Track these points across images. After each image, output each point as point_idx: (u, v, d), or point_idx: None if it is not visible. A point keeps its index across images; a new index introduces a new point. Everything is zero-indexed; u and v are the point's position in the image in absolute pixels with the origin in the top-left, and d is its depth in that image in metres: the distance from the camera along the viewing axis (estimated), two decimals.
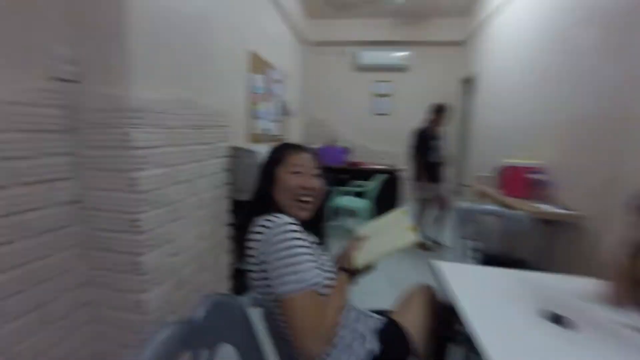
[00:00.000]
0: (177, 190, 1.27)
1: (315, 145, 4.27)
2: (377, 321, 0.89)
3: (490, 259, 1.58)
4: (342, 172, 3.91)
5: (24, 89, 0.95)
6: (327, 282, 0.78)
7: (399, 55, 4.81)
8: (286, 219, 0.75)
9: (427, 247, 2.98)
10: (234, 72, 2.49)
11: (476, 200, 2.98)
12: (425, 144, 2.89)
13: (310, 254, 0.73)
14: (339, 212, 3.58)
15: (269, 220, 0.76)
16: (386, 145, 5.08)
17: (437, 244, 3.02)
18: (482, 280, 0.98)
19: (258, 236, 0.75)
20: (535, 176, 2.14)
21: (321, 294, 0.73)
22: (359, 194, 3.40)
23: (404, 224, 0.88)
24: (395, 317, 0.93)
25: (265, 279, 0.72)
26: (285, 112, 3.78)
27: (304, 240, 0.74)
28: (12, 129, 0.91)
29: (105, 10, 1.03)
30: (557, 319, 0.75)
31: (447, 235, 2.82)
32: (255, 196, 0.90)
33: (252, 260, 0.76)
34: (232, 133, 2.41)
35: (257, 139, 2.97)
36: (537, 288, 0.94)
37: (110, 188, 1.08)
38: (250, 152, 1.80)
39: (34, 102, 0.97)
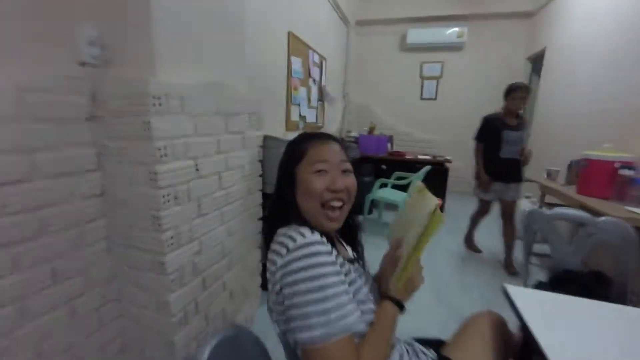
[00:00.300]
0: (203, 184, 1.17)
1: (355, 134, 4.04)
2: (427, 358, 0.71)
3: (563, 275, 1.30)
4: (382, 163, 3.66)
5: (46, 75, 0.89)
6: (367, 317, 0.61)
7: (453, 31, 4.30)
8: (311, 237, 0.59)
9: (513, 271, 2.29)
10: (271, 55, 2.36)
11: (543, 200, 2.57)
12: (494, 135, 2.29)
13: (343, 285, 0.57)
14: (378, 205, 3.37)
15: (289, 237, 0.60)
16: (433, 134, 4.67)
17: (478, 251, 2.67)
18: (571, 315, 0.75)
19: (276, 258, 0.60)
20: (626, 172, 1.73)
21: (360, 335, 0.57)
22: (400, 187, 3.14)
23: (425, 204, 0.65)
24: (450, 352, 0.74)
25: (284, 313, 0.57)
26: (324, 98, 3.59)
27: (334, 265, 0.58)
28: (33, 118, 0.86)
29: None
30: None
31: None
32: (274, 202, 0.74)
33: (270, 285, 0.62)
34: (268, 120, 2.31)
35: (294, 126, 2.84)
36: None
37: (132, 182, 1.01)
38: (283, 142, 1.66)
39: (57, 89, 0.91)
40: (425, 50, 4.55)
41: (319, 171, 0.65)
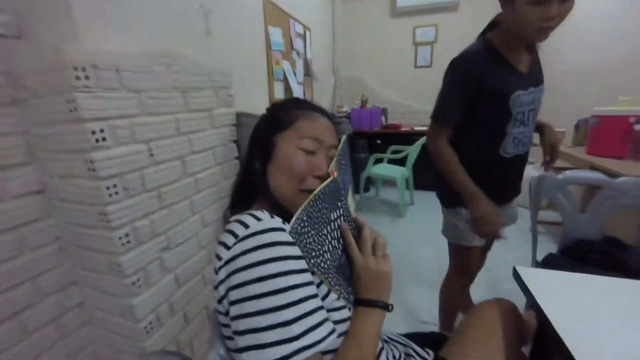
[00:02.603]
0: (161, 171, 1.02)
1: (347, 108, 3.83)
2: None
3: (578, 245, 1.16)
4: (377, 137, 3.48)
5: None
6: (341, 327, 0.47)
7: None
8: (270, 222, 0.44)
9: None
10: (245, 24, 2.13)
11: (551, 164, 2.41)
12: (490, 104, 0.95)
13: (310, 287, 0.43)
14: (375, 182, 3.22)
15: (240, 222, 0.45)
16: (430, 103, 4.43)
17: None
18: (591, 296, 0.61)
19: (221, 250, 0.45)
20: None
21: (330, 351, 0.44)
22: (396, 161, 2.98)
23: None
24: (456, 352, 0.61)
25: (231, 326, 0.43)
26: (310, 73, 3.36)
27: (298, 260, 0.43)
28: None
29: None
30: None
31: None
32: (240, 178, 0.60)
33: (216, 290, 0.46)
34: (249, 98, 2.12)
35: None
36: None
37: (69, 174, 0.85)
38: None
39: None
40: (417, 13, 4.24)
41: (307, 150, 0.54)
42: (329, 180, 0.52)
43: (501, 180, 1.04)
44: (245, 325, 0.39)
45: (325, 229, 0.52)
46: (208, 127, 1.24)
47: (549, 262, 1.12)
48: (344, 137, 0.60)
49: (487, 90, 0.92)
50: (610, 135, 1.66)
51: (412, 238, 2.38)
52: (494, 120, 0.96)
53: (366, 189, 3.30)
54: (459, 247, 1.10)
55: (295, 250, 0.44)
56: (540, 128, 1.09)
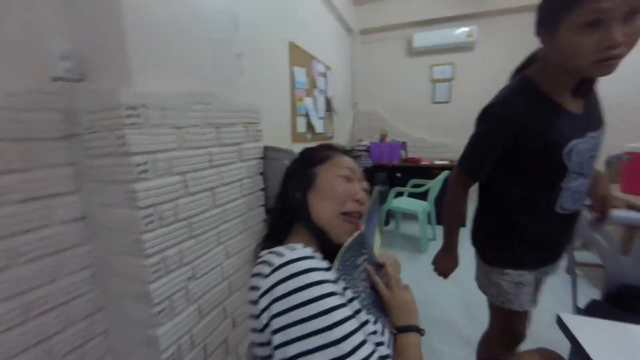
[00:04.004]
0: (193, 202, 1.06)
1: (366, 142, 3.90)
2: None
3: (625, 291, 1.08)
4: (397, 170, 3.49)
5: (15, 92, 0.82)
6: (381, 351, 0.47)
7: (462, 31, 4.15)
8: (303, 251, 0.46)
9: None
10: (272, 65, 2.29)
11: None
12: (542, 155, 0.80)
13: (347, 309, 0.44)
14: (395, 216, 3.18)
15: (275, 253, 0.47)
16: (448, 137, 4.46)
17: None
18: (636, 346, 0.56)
19: (258, 281, 0.46)
20: None
21: None
22: (417, 195, 2.95)
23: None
24: None
25: (274, 355, 0.42)
26: (330, 108, 3.50)
27: (334, 285, 0.45)
28: (2, 138, 0.79)
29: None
30: None
31: None
32: (278, 210, 0.65)
33: (253, 319, 0.48)
34: (273, 132, 2.22)
35: (300, 138, 2.74)
36: None
37: (111, 203, 0.91)
38: (285, 152, 1.55)
39: (29, 107, 0.84)
40: (433, 52, 4.42)
41: (346, 177, 0.60)
42: (356, 234, 0.58)
43: (556, 238, 0.89)
44: (295, 350, 0.39)
45: (355, 273, 0.57)
46: (237, 160, 1.29)
47: (593, 310, 1.04)
48: (376, 189, 0.64)
49: (532, 141, 0.76)
50: None
51: (435, 275, 2.28)
52: (545, 175, 0.80)
53: (386, 223, 3.25)
54: (505, 310, 0.96)
55: (330, 275, 0.46)
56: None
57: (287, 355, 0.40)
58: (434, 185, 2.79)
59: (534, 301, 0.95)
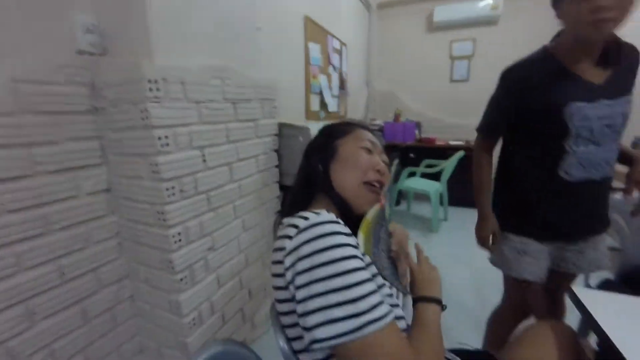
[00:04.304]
0: (212, 176, 1.09)
1: (380, 122, 3.84)
2: None
3: (637, 271, 1.07)
4: (410, 151, 3.44)
5: (43, 65, 0.84)
6: (396, 313, 0.49)
7: (486, 4, 3.92)
8: (327, 216, 0.49)
9: None
10: (287, 41, 2.24)
11: None
12: (542, 117, 0.85)
13: (367, 272, 0.46)
14: (407, 196, 3.17)
15: (300, 217, 0.50)
16: (465, 118, 4.33)
17: None
18: None
19: (284, 242, 0.49)
20: None
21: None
22: (430, 175, 2.92)
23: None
24: None
25: (296, 310, 0.46)
26: (344, 86, 3.43)
27: (355, 249, 0.47)
28: (31, 111, 0.82)
29: None
30: None
31: None
32: (301, 181, 0.66)
33: (277, 278, 0.51)
34: (287, 109, 2.21)
35: (314, 116, 2.72)
36: None
37: (135, 175, 0.94)
38: (303, 129, 1.55)
39: (55, 80, 0.86)
40: (454, 27, 4.20)
41: (367, 149, 0.62)
42: (377, 206, 0.61)
43: (566, 210, 0.87)
44: (315, 305, 0.42)
45: (376, 242, 0.59)
46: (253, 137, 1.31)
47: (606, 288, 1.04)
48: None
49: (535, 101, 0.82)
50: None
51: (447, 256, 2.30)
52: (546, 135, 0.84)
53: (397, 203, 3.25)
54: (512, 279, 0.97)
55: (352, 240, 0.48)
56: (628, 159, 0.88)
57: (308, 308, 0.43)
58: (448, 166, 2.75)
59: (540, 275, 0.92)
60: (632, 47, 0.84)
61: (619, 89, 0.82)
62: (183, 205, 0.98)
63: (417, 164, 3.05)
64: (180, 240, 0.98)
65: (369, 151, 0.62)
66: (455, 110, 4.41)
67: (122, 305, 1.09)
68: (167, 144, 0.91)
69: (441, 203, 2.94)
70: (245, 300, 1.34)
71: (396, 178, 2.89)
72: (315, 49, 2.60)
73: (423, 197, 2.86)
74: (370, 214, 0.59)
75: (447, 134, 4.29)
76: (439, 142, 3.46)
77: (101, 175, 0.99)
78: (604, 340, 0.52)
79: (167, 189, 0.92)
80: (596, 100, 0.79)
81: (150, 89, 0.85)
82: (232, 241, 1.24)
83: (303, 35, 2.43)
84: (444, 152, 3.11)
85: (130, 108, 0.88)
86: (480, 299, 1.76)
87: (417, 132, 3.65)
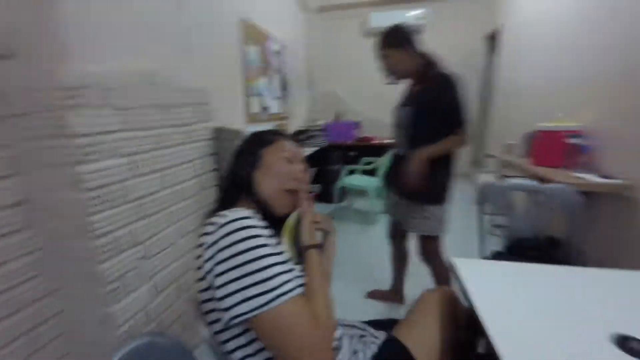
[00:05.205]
0: (142, 183, 1.08)
1: (322, 122, 3.99)
2: (375, 341, 0.69)
3: (519, 243, 1.34)
4: (351, 149, 3.65)
5: None
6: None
7: (414, 14, 4.31)
8: (243, 212, 0.56)
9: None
10: (223, 43, 2.23)
11: (502, 172, 2.66)
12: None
13: (280, 257, 0.54)
14: (348, 192, 3.37)
15: (220, 215, 0.57)
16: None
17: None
18: (515, 282, 0.75)
19: (206, 237, 0.56)
20: (574, 141, 1.81)
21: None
22: (369, 172, 3.14)
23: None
24: (400, 331, 0.73)
25: (217, 294, 0.52)
26: (286, 88, 3.50)
27: (269, 240, 0.55)
28: None
29: None
30: (626, 345, 0.52)
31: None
32: (228, 183, 0.73)
33: (200, 271, 0.57)
34: (226, 113, 2.20)
35: (255, 118, 2.74)
36: (589, 291, 0.71)
37: (55, 186, 0.90)
38: (237, 133, 1.58)
39: None
40: None
41: (287, 159, 0.70)
42: (296, 213, 0.72)
43: (394, 171, 1.45)
44: (233, 287, 0.49)
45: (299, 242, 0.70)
46: (187, 141, 1.31)
47: (495, 258, 1.28)
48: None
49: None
50: (549, 147, 1.89)
51: (384, 243, 2.52)
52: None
53: (341, 199, 3.43)
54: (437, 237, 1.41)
55: (264, 232, 0.56)
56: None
57: (227, 291, 0.49)
58: (383, 162, 3.00)
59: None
60: (432, 78, 1.29)
61: (413, 102, 1.34)
62: (111, 214, 0.96)
63: (357, 162, 3.26)
64: (109, 250, 0.96)
65: (290, 161, 0.71)
66: (390, 110, 4.75)
67: (45, 325, 1.03)
68: (90, 153, 0.89)
69: (380, 197, 3.18)
70: (185, 306, 1.34)
71: (338, 176, 3.06)
72: (253, 52, 2.62)
73: (364, 192, 3.07)
74: (291, 219, 0.68)
75: (385, 132, 4.62)
76: (376, 141, 3.72)
77: (12, 187, 0.92)
78: (465, 294, 0.67)
79: (93, 199, 0.90)
80: (403, 106, 1.40)
81: (69, 97, 0.83)
82: (168, 248, 1.23)
83: (239, 38, 2.44)
84: (381, 149, 3.36)
85: (47, 116, 0.84)
86: (413, 281, 1.98)
87: (357, 131, 3.87)
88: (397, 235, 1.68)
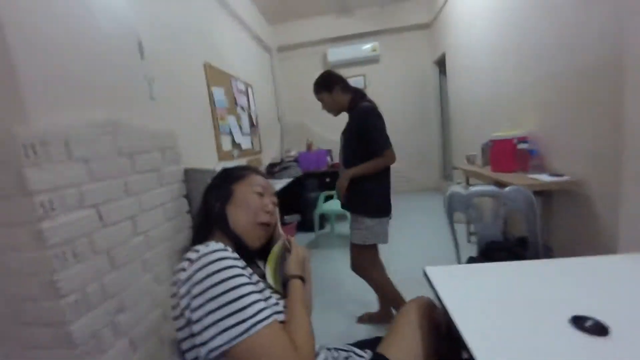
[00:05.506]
0: (111, 233, 1.05)
1: (294, 152, 4.08)
2: None
3: (490, 246, 1.40)
4: (325, 176, 3.73)
5: None
6: (282, 316, 0.59)
7: (367, 47, 4.67)
8: (215, 245, 0.57)
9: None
10: (189, 87, 2.30)
11: (466, 181, 2.82)
12: None
13: (254, 286, 0.55)
14: (329, 219, 3.39)
15: (192, 251, 0.58)
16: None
17: None
18: (483, 282, 0.79)
19: (179, 275, 0.56)
20: (523, 146, 1.98)
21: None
22: None
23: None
24: (384, 347, 0.73)
25: (193, 330, 0.51)
26: (255, 124, 3.59)
27: (241, 270, 0.56)
28: None
29: None
30: (581, 324, 0.56)
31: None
32: (200, 219, 0.74)
33: (175, 309, 0.57)
34: (197, 152, 2.21)
35: (227, 155, 2.76)
36: (549, 280, 0.76)
37: (13, 246, 0.86)
38: (208, 172, 1.59)
39: None
40: (346, 65, 4.86)
41: (259, 193, 0.73)
42: (279, 243, 0.75)
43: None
44: (210, 320, 0.49)
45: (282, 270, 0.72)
46: (157, 186, 1.31)
47: (469, 263, 1.33)
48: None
49: None
50: (502, 154, 2.05)
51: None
52: None
53: (321, 226, 3.43)
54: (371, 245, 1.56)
55: (238, 262, 0.57)
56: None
57: (204, 325, 0.49)
58: None
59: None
60: (355, 110, 1.55)
61: (345, 130, 1.60)
62: (78, 270, 0.92)
63: (332, 188, 3.31)
64: (78, 308, 0.91)
65: (261, 195, 0.74)
66: None
67: None
68: (53, 209, 0.86)
69: None
70: (166, 357, 1.26)
71: (316, 204, 3.08)
72: (219, 92, 2.70)
73: (344, 216, 3.10)
74: (275, 250, 0.71)
75: None
76: None
77: None
78: (440, 300, 0.70)
79: (56, 256, 0.86)
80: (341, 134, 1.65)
81: (27, 155, 0.82)
82: (144, 297, 1.18)
83: (205, 81, 2.52)
84: None
85: (3, 174, 0.83)
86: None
87: (329, 158, 3.98)
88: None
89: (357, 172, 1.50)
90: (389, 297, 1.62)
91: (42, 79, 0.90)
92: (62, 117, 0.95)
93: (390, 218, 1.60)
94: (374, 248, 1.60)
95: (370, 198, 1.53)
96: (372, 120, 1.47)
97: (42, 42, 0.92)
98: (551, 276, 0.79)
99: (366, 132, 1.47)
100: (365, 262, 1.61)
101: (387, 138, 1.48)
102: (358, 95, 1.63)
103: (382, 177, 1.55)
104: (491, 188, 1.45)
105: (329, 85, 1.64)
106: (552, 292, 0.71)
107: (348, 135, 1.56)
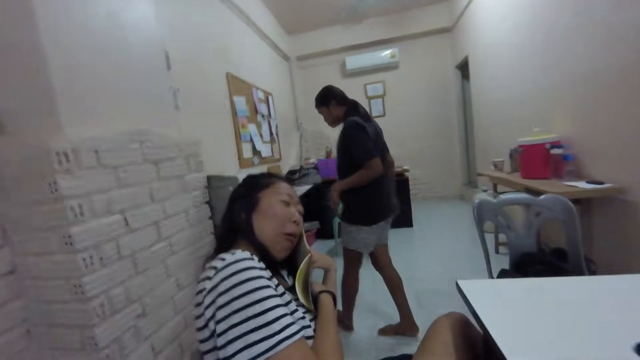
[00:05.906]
0: (136, 238, 1.07)
1: (313, 160, 4.08)
2: None
3: (524, 258, 1.31)
4: None
5: None
6: (309, 331, 0.57)
7: (386, 53, 4.65)
8: (242, 254, 0.55)
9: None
10: (212, 96, 2.36)
11: (494, 188, 2.69)
12: None
13: (280, 299, 0.53)
14: None
15: (218, 259, 0.56)
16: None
17: None
18: (524, 299, 0.73)
19: (204, 283, 0.54)
20: (557, 151, 1.87)
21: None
22: None
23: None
24: None
25: (218, 341, 0.49)
26: (275, 131, 3.62)
27: (268, 281, 0.53)
28: None
29: (20, 42, 0.87)
30: None
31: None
32: (225, 228, 0.73)
33: (199, 319, 0.55)
34: (219, 160, 2.25)
35: (248, 163, 2.80)
36: (603, 300, 0.68)
37: (45, 251, 0.89)
38: (232, 179, 1.61)
39: None
40: (365, 73, 4.85)
41: (285, 202, 0.71)
42: (306, 259, 0.70)
43: None
44: (235, 333, 0.47)
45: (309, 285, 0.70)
46: (180, 192, 1.32)
47: (501, 277, 1.25)
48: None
49: None
50: (534, 160, 1.95)
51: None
52: None
53: (340, 234, 3.38)
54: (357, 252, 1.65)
55: (265, 273, 0.55)
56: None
57: (229, 338, 0.47)
58: None
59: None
60: (344, 125, 1.63)
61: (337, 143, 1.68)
62: (104, 273, 0.94)
63: None
64: (103, 312, 0.92)
65: (287, 204, 0.71)
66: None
67: None
68: (82, 214, 0.89)
69: None
70: None
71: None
72: (240, 101, 2.76)
73: None
74: (303, 265, 0.68)
75: None
76: None
77: (3, 257, 0.91)
78: (477, 318, 0.65)
79: (84, 259, 0.88)
80: None
81: (60, 162, 0.85)
82: (166, 303, 1.18)
83: (227, 90, 2.58)
84: None
85: (37, 182, 0.86)
86: (416, 302, 1.90)
87: None
88: (374, 262, 1.81)
89: (343, 186, 1.59)
90: (343, 304, 1.74)
91: (76, 94, 0.94)
92: (93, 127, 0.98)
93: (375, 226, 1.63)
94: (356, 256, 1.69)
95: (356, 208, 1.63)
96: (351, 133, 1.54)
97: (78, 60, 0.96)
98: (604, 295, 0.72)
99: (349, 144, 1.55)
100: (348, 263, 1.72)
101: (369, 149, 1.50)
102: (351, 108, 1.71)
103: (370, 188, 1.58)
104: (524, 196, 1.37)
105: (326, 100, 1.76)
106: (610, 314, 0.63)
107: (338, 147, 1.68)
